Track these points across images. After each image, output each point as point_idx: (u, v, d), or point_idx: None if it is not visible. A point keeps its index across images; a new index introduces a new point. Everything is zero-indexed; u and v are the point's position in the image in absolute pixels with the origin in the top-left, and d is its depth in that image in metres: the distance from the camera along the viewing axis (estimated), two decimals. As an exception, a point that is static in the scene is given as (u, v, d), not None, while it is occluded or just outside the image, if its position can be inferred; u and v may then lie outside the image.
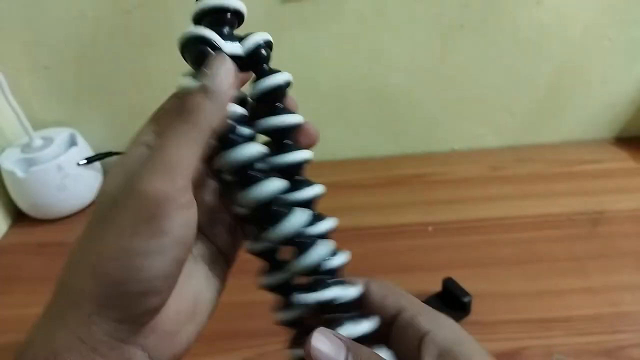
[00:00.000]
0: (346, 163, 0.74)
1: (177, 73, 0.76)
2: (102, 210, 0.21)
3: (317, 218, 0.24)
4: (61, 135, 0.68)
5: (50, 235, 0.65)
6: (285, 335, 0.26)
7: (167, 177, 0.20)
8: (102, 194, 0.22)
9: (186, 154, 0.21)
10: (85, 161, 0.68)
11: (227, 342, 0.47)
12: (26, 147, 0.65)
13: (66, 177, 0.65)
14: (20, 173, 0.63)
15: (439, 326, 0.24)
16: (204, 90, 0.23)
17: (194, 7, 0.24)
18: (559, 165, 0.69)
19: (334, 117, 0.71)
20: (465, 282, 0.51)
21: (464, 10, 0.62)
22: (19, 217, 0.68)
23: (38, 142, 0.66)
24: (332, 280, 0.24)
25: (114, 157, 0.72)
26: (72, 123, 0.72)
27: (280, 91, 0.25)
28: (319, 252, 0.23)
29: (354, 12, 0.62)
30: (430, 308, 0.26)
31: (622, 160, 0.69)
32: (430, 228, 0.59)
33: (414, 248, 0.57)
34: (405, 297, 0.26)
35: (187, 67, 0.26)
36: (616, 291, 0.49)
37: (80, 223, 0.67)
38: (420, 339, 0.24)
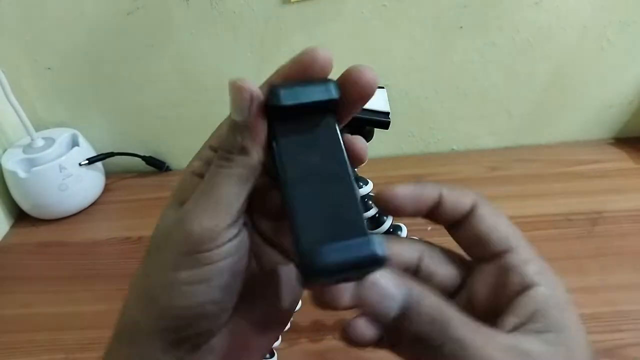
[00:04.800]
0: (346, 163, 0.74)
1: (177, 73, 0.76)
2: (155, 244, 0.22)
3: None
4: (63, 135, 0.68)
5: (52, 235, 0.65)
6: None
7: (214, 214, 0.20)
8: (156, 228, 0.22)
9: (234, 192, 0.21)
10: (87, 161, 0.68)
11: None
12: (28, 148, 0.66)
13: (68, 177, 0.65)
14: (22, 173, 0.63)
15: (548, 284, 0.22)
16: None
17: None
18: (557, 165, 0.69)
19: (334, 117, 0.72)
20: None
21: (463, 11, 0.62)
22: (20, 217, 0.68)
23: (40, 142, 0.66)
24: None
25: (115, 157, 0.72)
26: (74, 123, 0.72)
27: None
28: None
29: (354, 12, 0.62)
30: (542, 260, 0.23)
31: (620, 160, 0.69)
32: (429, 228, 0.59)
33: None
34: (517, 237, 0.23)
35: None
36: (614, 290, 0.49)
37: (81, 223, 0.67)
38: (520, 290, 0.21)
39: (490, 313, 0.22)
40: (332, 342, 0.47)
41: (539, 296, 0.21)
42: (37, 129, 0.68)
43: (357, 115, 0.24)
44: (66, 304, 0.54)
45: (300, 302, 0.48)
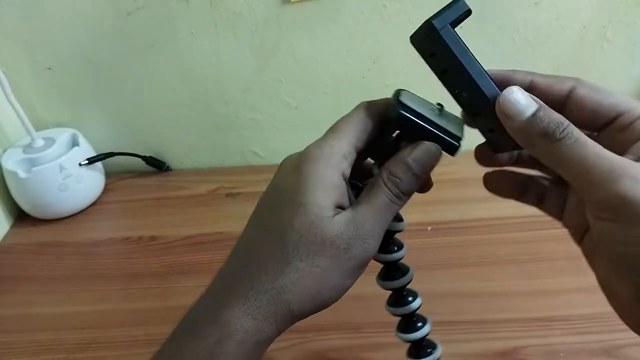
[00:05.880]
0: (346, 163, 0.74)
1: (177, 74, 0.76)
2: (323, 243, 0.25)
3: None
4: (63, 135, 0.68)
5: (52, 235, 0.65)
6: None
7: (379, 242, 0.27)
8: (308, 215, 0.26)
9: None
10: (87, 161, 0.68)
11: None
12: (28, 148, 0.66)
13: (68, 177, 0.65)
14: (22, 173, 0.63)
15: None
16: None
17: None
18: (557, 165, 0.69)
19: (333, 117, 0.71)
20: (465, 281, 0.51)
21: (463, 11, 0.62)
22: (20, 217, 0.68)
23: (40, 142, 0.66)
24: None
25: (115, 157, 0.72)
26: (74, 123, 0.72)
27: None
28: None
29: (354, 12, 0.62)
30: None
31: (620, 160, 0.69)
32: (429, 228, 0.60)
33: (413, 248, 0.57)
34: (624, 101, 0.25)
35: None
36: (614, 290, 0.49)
37: (81, 223, 0.67)
38: (634, 141, 0.24)
39: None
40: (332, 342, 0.47)
41: None
42: (37, 129, 0.68)
43: (425, 125, 0.28)
44: (66, 304, 0.54)
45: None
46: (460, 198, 0.64)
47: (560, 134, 0.23)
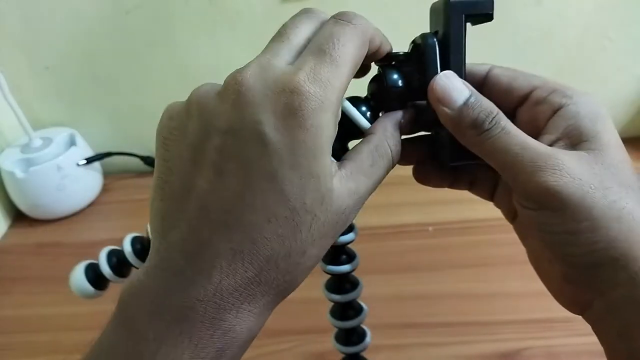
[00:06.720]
0: (346, 163, 0.74)
1: (176, 73, 0.76)
2: (330, 222, 0.21)
3: None
4: (61, 135, 0.68)
5: (50, 236, 0.65)
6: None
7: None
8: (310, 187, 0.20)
9: None
10: (85, 161, 0.68)
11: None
12: (25, 147, 0.65)
13: (65, 177, 0.65)
14: (19, 173, 0.63)
15: (576, 102, 0.24)
16: None
17: None
18: (558, 165, 0.69)
19: (333, 117, 0.71)
20: (466, 282, 0.51)
21: (464, 11, 0.62)
22: (18, 217, 0.68)
23: (37, 142, 0.66)
24: None
25: (113, 157, 0.72)
26: (72, 123, 0.72)
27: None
28: None
29: (354, 11, 0.62)
30: (570, 86, 0.25)
31: (622, 160, 0.69)
32: (430, 228, 0.59)
33: (414, 248, 0.57)
34: (538, 78, 0.25)
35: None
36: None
37: (79, 223, 0.67)
38: (550, 115, 0.24)
39: None
40: (332, 344, 0.46)
41: (567, 113, 0.23)
42: (35, 129, 0.67)
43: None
44: (64, 305, 0.54)
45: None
46: (461, 198, 0.63)
47: (488, 124, 0.23)
